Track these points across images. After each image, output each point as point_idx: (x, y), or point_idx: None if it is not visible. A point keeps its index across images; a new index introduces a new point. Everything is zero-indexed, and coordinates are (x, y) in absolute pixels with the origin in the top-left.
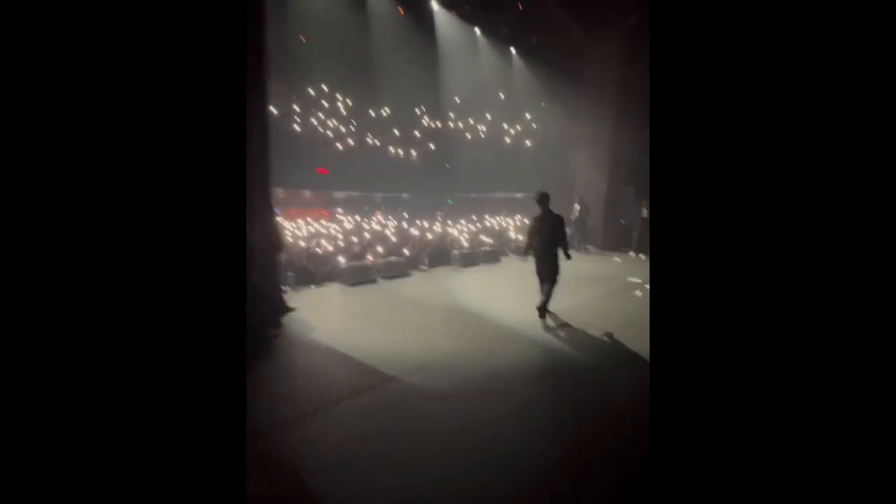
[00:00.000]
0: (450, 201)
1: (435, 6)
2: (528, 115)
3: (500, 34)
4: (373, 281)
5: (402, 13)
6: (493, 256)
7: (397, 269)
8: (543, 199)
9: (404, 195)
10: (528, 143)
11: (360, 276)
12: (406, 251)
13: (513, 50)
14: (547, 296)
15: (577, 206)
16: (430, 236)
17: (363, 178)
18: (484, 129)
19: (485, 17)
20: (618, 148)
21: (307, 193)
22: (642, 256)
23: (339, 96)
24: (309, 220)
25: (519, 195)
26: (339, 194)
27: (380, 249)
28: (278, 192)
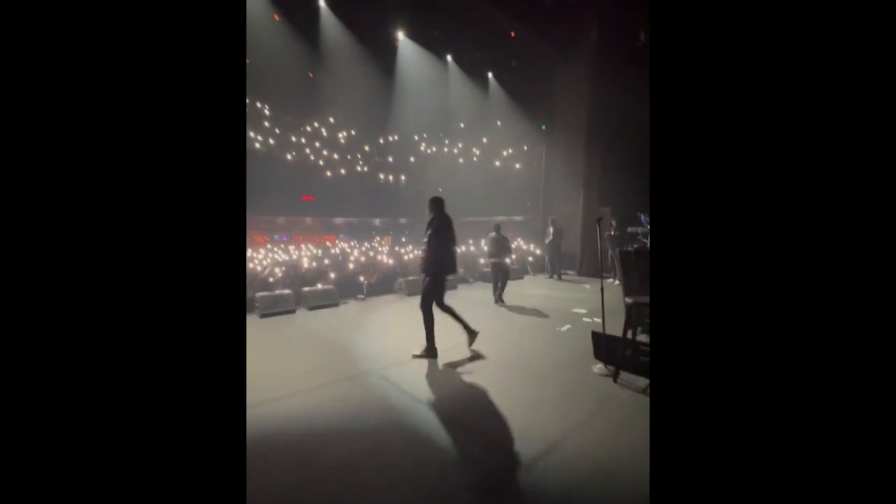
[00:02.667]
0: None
1: (401, 36)
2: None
3: (472, 59)
4: (290, 312)
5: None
6: (449, 284)
7: (327, 299)
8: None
9: (402, 220)
10: (517, 165)
11: (274, 306)
12: (363, 278)
13: (490, 75)
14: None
15: (549, 229)
16: (389, 261)
17: (359, 205)
18: (478, 152)
19: (455, 43)
20: (592, 167)
21: (308, 220)
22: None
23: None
24: (309, 245)
25: (518, 218)
26: (339, 220)
27: (332, 275)
28: (280, 220)
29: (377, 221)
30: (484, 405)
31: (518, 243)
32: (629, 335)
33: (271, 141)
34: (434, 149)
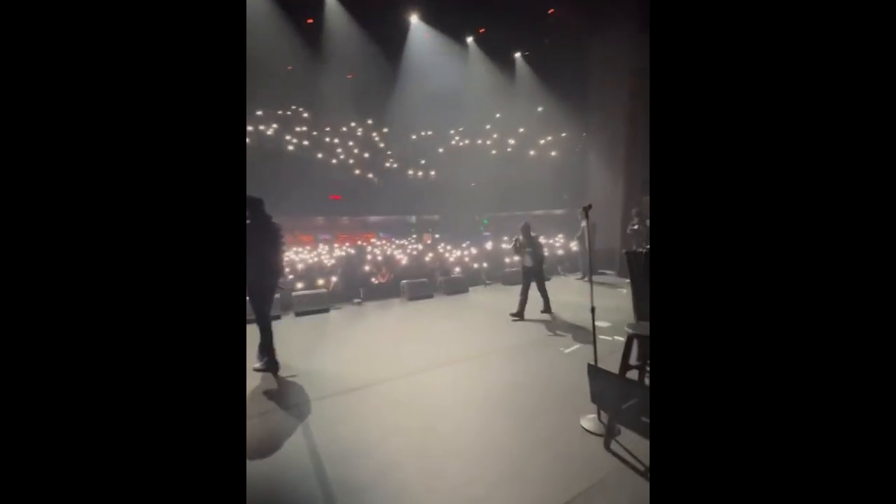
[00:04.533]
0: (486, 221)
1: (414, 20)
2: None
3: (497, 42)
4: (276, 317)
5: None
6: (460, 286)
7: (317, 303)
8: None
9: (436, 216)
10: (553, 153)
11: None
12: (377, 280)
13: (517, 55)
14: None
15: (582, 223)
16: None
17: (393, 202)
18: (513, 142)
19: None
20: (633, 152)
21: (345, 220)
22: None
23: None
24: (346, 245)
25: (559, 211)
26: (374, 218)
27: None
28: (318, 220)
29: (412, 218)
30: (406, 476)
31: (552, 241)
32: (631, 376)
33: (305, 143)
34: (467, 141)
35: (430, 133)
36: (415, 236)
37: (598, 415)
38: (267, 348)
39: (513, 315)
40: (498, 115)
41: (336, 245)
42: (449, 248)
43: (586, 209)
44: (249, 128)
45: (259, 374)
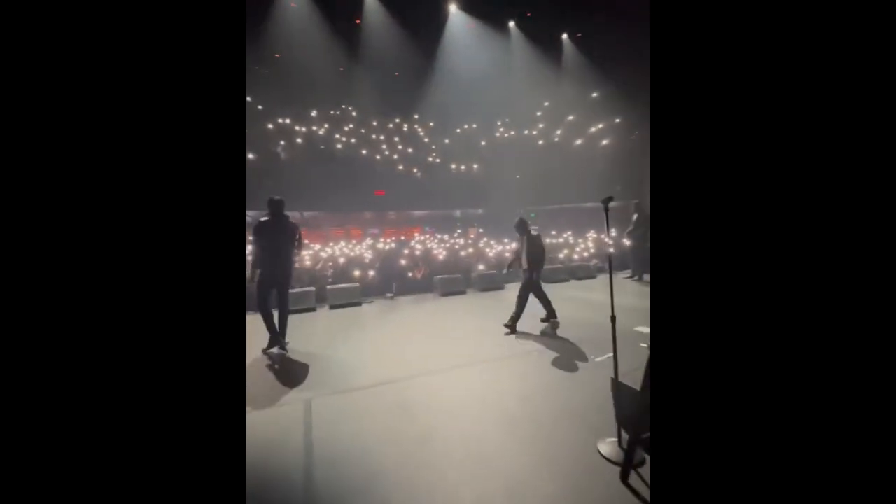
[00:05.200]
0: (532, 215)
1: (453, 9)
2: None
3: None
4: (312, 309)
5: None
6: (495, 282)
7: (350, 297)
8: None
9: (479, 210)
10: (604, 142)
11: (294, 303)
12: (413, 275)
13: (564, 36)
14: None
15: (634, 216)
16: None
17: (436, 197)
18: (560, 132)
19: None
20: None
21: (392, 215)
22: None
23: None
24: (392, 238)
25: (612, 204)
26: (419, 213)
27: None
28: (366, 215)
29: (457, 213)
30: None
31: (604, 237)
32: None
33: (353, 140)
34: (512, 132)
35: (474, 126)
36: (459, 231)
37: (619, 439)
38: (277, 331)
39: (506, 326)
40: (546, 104)
41: (382, 239)
42: (492, 242)
43: (606, 202)
44: (303, 129)
45: (270, 366)
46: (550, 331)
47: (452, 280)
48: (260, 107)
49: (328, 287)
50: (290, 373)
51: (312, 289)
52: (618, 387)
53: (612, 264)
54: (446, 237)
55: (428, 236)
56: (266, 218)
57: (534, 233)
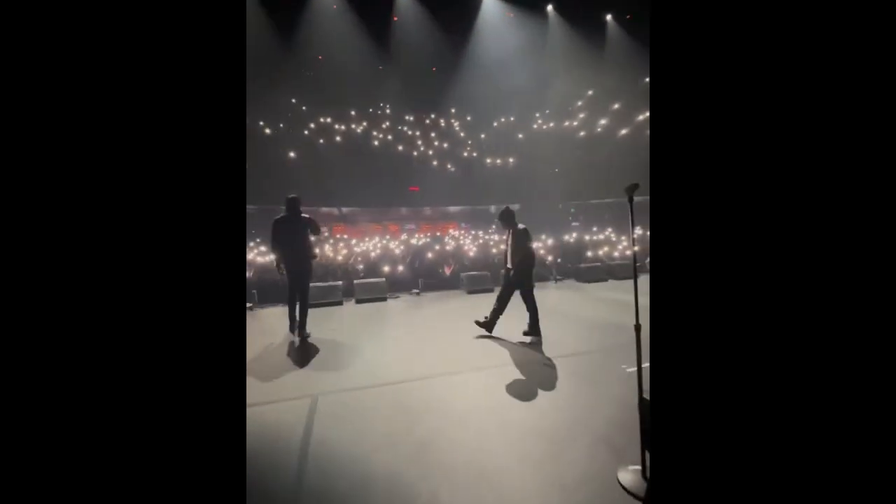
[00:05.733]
0: (572, 210)
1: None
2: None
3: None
4: (338, 303)
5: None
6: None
7: (376, 292)
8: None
9: (516, 206)
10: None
11: (318, 297)
12: (443, 271)
13: (609, 18)
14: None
15: None
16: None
17: (471, 192)
18: (604, 122)
19: None
20: None
21: (427, 210)
22: None
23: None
24: (426, 233)
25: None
26: (454, 208)
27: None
28: (402, 211)
29: (492, 208)
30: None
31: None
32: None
33: (389, 137)
34: (552, 124)
35: (511, 119)
36: (495, 227)
37: (644, 467)
38: (294, 320)
39: (478, 323)
40: (590, 93)
41: (417, 235)
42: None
43: (631, 191)
44: (342, 127)
45: (282, 360)
46: (534, 348)
47: (480, 277)
48: (304, 108)
49: (355, 282)
50: (301, 365)
51: (340, 283)
52: (646, 406)
53: (636, 264)
54: (480, 233)
55: (462, 232)
56: (281, 215)
57: (521, 227)
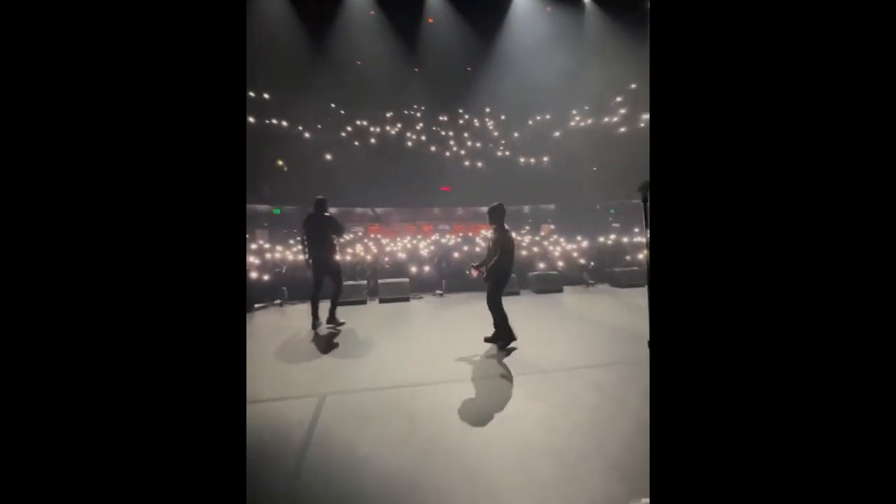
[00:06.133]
0: (612, 210)
1: None
2: None
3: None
4: (362, 302)
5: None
6: (553, 284)
7: (400, 292)
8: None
9: (551, 206)
10: None
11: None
12: (470, 272)
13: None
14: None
15: None
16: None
17: (504, 191)
18: (646, 117)
19: None
20: None
21: (460, 211)
22: None
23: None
24: (461, 234)
25: None
26: (485, 209)
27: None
28: (434, 211)
29: (525, 208)
30: None
31: None
32: None
33: (423, 138)
34: (590, 121)
35: (547, 117)
36: (528, 227)
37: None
38: (317, 316)
39: (487, 339)
40: (633, 86)
41: (451, 235)
42: (561, 240)
43: (645, 189)
44: (377, 129)
45: (294, 353)
46: (499, 354)
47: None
48: (342, 112)
49: (379, 281)
50: (310, 361)
51: (364, 282)
52: None
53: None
54: (513, 234)
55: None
56: (310, 213)
57: (506, 228)
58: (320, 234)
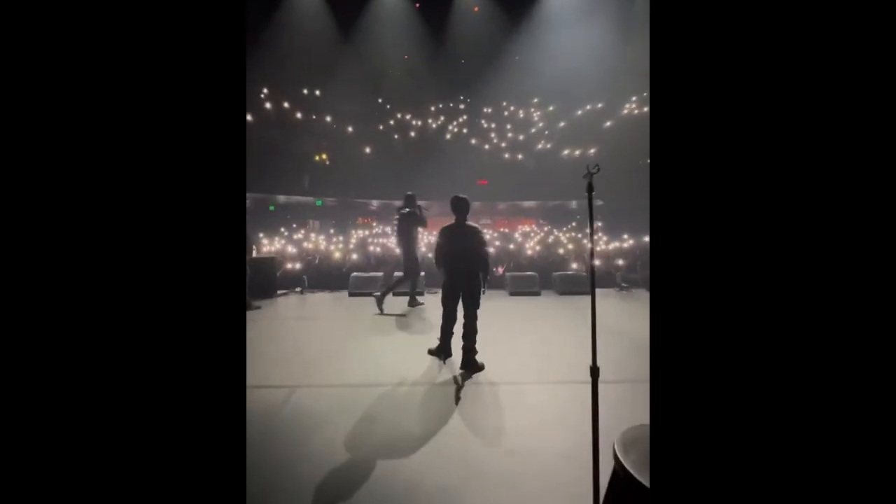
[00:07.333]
0: None
1: None
2: None
3: None
4: (369, 294)
5: None
6: (580, 285)
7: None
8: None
9: (599, 202)
10: None
11: (360, 286)
12: (497, 270)
13: None
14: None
15: None
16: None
17: (546, 186)
18: None
19: None
20: None
21: (501, 205)
22: None
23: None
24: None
25: None
26: (527, 204)
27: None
28: (474, 206)
29: (573, 204)
30: None
31: None
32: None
33: (465, 130)
34: (645, 109)
35: (599, 106)
36: (574, 223)
37: None
38: (389, 290)
39: (430, 352)
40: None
41: (490, 230)
42: (605, 238)
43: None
44: (419, 123)
45: (284, 349)
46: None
47: (525, 278)
48: (388, 106)
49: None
50: (294, 356)
51: (381, 274)
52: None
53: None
54: (554, 230)
55: (538, 229)
56: (398, 206)
57: (471, 224)
58: (403, 228)
